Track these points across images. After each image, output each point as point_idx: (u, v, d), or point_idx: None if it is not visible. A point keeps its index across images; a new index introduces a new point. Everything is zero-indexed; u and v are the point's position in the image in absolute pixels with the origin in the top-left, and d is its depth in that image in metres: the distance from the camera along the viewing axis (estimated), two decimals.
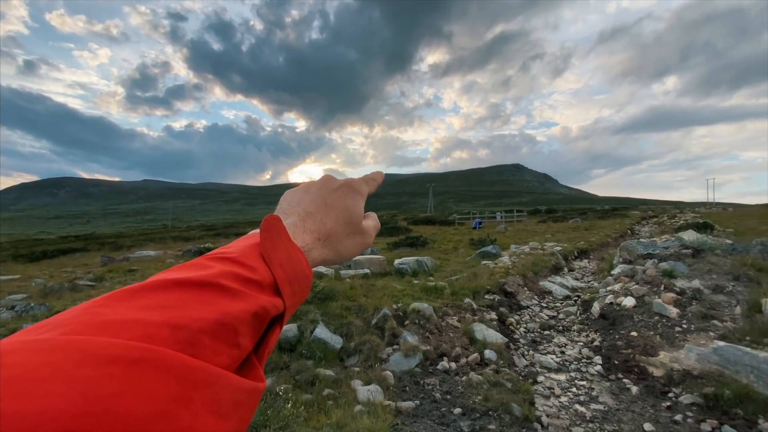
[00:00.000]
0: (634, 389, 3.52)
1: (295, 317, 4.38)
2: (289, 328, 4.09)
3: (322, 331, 4.11)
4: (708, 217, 21.20)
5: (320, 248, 0.38)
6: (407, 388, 3.45)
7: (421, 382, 3.55)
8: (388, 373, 3.58)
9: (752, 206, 44.38)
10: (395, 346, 4.08)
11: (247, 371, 0.26)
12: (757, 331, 3.84)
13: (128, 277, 9.77)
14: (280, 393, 3.08)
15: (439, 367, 3.79)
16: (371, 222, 0.46)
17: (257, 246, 0.32)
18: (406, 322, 4.52)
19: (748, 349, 3.40)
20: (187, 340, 0.22)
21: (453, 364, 3.85)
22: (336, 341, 4.08)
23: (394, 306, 4.86)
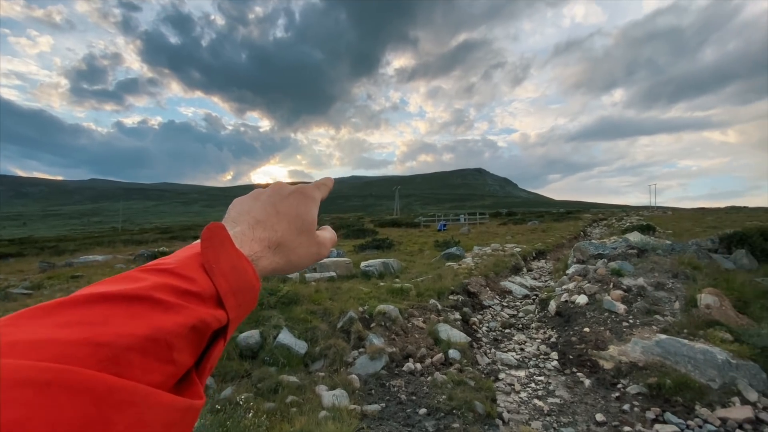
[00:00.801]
0: (587, 382, 3.72)
1: (258, 323, 4.25)
2: (251, 335, 3.96)
3: (285, 337, 4.01)
4: (650, 219, 22.94)
5: (270, 256, 0.36)
6: (373, 391, 3.45)
7: (387, 384, 3.56)
8: (354, 376, 3.56)
9: (688, 210, 48.56)
10: (361, 349, 4.06)
11: (184, 388, 0.24)
12: (694, 324, 4.20)
13: (71, 284, 9.04)
14: (241, 402, 2.97)
15: (404, 368, 3.82)
16: (328, 234, 0.44)
17: (198, 256, 0.30)
18: (372, 325, 4.51)
19: (686, 341, 3.70)
20: (111, 359, 0.20)
21: (418, 365, 3.89)
22: (300, 346, 4.00)
23: (360, 309, 4.84)
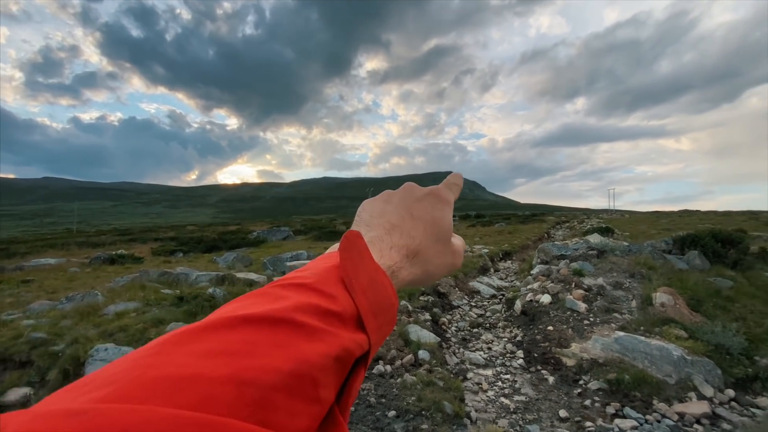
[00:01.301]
0: (551, 379, 3.82)
1: None
2: None
3: None
4: (609, 222, 24.15)
5: (408, 267, 0.33)
6: None
7: None
8: None
9: (644, 213, 51.58)
10: None
11: (330, 429, 0.21)
12: (650, 321, 4.42)
13: (22, 288, 8.37)
14: None
15: (374, 371, 3.77)
16: (459, 242, 0.40)
17: (336, 269, 0.27)
18: None
19: (643, 338, 3.88)
20: (257, 402, 0.17)
21: (388, 367, 3.86)
22: None
23: None
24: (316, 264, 0.29)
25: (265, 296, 0.24)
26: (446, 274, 0.39)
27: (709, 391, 3.27)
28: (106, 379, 0.17)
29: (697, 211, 43.45)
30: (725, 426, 2.95)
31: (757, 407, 3.19)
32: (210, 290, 5.25)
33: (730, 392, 3.32)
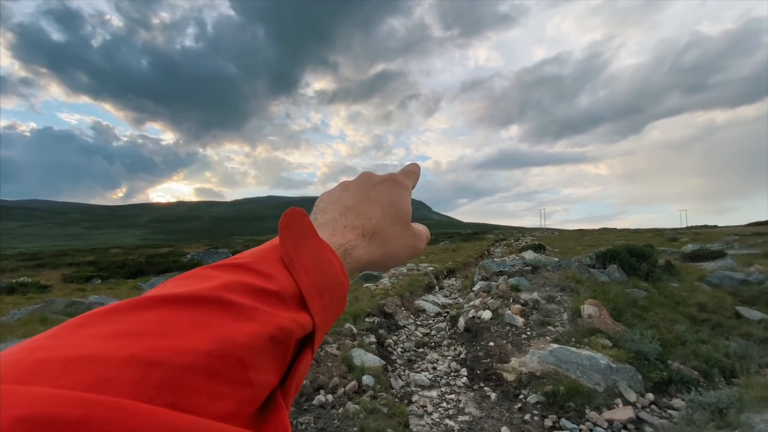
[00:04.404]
0: (493, 396, 3.86)
1: None
2: None
3: None
4: (542, 239, 26.00)
5: (366, 245, 0.33)
6: None
7: (294, 422, 3.24)
8: None
9: (571, 231, 56.34)
10: None
11: (268, 415, 0.19)
12: (579, 332, 4.69)
13: None
14: None
15: (314, 402, 3.54)
16: (422, 227, 0.41)
17: (277, 248, 0.26)
18: None
19: (574, 349, 4.09)
20: (167, 383, 0.16)
21: (330, 397, 3.64)
22: None
23: None
24: (260, 246, 0.27)
25: (195, 277, 0.22)
26: (409, 257, 0.38)
27: (632, 396, 3.50)
28: None
29: (614, 228, 48.38)
30: (648, 429, 3.16)
31: (673, 408, 3.47)
32: None
33: (650, 396, 3.59)
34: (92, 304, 6.19)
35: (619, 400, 3.45)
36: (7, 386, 0.14)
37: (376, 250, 0.34)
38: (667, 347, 4.34)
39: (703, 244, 13.77)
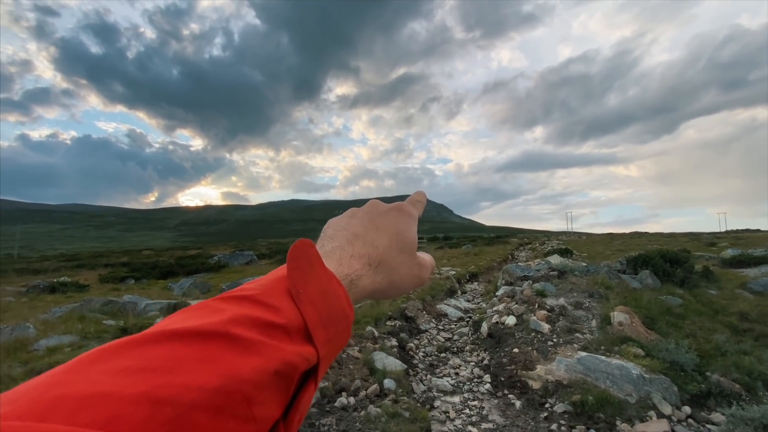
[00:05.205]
0: (518, 403, 3.77)
1: None
2: None
3: None
4: (568, 243, 25.24)
5: (371, 275, 0.33)
6: None
7: (317, 423, 3.27)
8: None
9: (599, 234, 54.47)
10: None
11: None
12: (609, 340, 4.51)
13: None
14: None
15: (336, 404, 3.56)
16: (428, 257, 0.41)
17: (284, 280, 0.26)
18: None
19: (604, 357, 3.94)
20: (174, 421, 0.17)
21: (352, 399, 3.66)
22: None
23: None
24: (265, 277, 0.28)
25: (204, 309, 0.23)
26: (413, 287, 0.38)
27: (667, 409, 3.33)
28: (10, 397, 0.17)
29: (646, 232, 46.42)
30: None
31: (712, 423, 3.27)
32: (159, 320, 4.86)
33: (687, 409, 3.40)
34: (126, 303, 6.48)
35: (652, 413, 3.29)
36: (27, 423, 0.15)
37: (382, 279, 0.34)
38: (706, 358, 4.11)
39: (745, 249, 12.99)
